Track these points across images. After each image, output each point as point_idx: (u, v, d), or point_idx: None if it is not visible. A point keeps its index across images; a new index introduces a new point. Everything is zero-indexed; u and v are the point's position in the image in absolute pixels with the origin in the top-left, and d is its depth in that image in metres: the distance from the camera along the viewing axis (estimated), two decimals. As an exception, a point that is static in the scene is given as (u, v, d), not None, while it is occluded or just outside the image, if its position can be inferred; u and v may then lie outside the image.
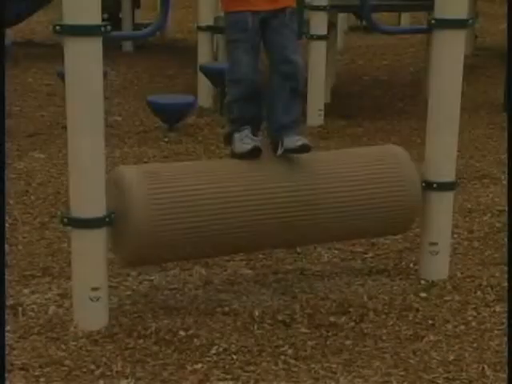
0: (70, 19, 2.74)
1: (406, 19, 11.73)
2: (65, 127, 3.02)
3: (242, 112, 3.25)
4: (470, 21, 3.30)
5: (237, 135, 3.25)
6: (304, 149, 3.18)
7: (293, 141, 3.17)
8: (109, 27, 2.79)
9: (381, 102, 7.40)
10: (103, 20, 2.80)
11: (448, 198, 3.46)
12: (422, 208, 3.42)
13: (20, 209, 4.33)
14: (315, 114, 6.41)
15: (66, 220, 2.94)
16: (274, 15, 3.19)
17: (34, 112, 6.74)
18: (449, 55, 3.28)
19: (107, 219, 2.92)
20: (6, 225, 3.96)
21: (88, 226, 2.89)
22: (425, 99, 5.36)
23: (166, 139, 5.88)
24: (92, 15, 2.75)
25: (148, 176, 3.02)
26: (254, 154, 3.19)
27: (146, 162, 5.18)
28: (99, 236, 2.92)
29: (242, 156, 3.20)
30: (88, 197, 2.89)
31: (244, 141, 3.22)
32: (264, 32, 3.21)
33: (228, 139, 3.33)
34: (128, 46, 9.98)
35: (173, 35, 11.61)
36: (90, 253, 2.92)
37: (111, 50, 8.86)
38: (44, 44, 10.71)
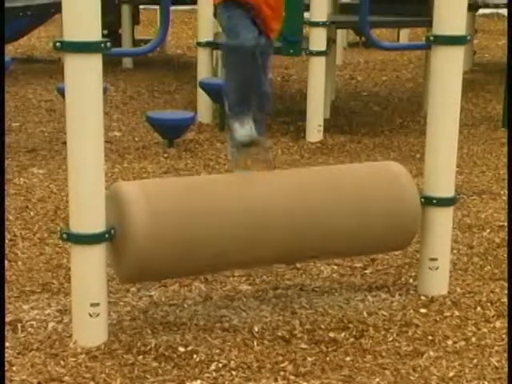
0: (70, 36, 2.75)
1: (404, 35, 11.77)
2: (64, 143, 3.03)
3: (240, 94, 3.32)
4: (469, 37, 3.31)
5: (237, 125, 3.33)
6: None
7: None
8: (109, 44, 2.80)
9: (380, 118, 7.42)
10: (103, 36, 2.81)
11: (447, 213, 3.46)
12: (421, 223, 3.42)
13: (19, 224, 4.33)
14: (314, 130, 6.41)
15: (65, 236, 2.94)
16: None
17: (34, 128, 6.75)
18: (448, 71, 3.30)
19: (107, 235, 2.92)
20: (6, 241, 3.96)
21: (87, 241, 2.89)
22: (424, 115, 5.38)
23: (166, 155, 5.89)
24: (92, 32, 2.76)
25: (147, 191, 3.03)
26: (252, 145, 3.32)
27: (145, 178, 5.18)
28: (99, 252, 2.92)
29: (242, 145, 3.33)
30: (88, 212, 2.89)
31: (245, 129, 3.32)
32: None
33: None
34: (128, 61, 10.01)
35: (172, 51, 11.65)
36: (89, 269, 2.92)
37: (111, 65, 8.94)
38: (44, 60, 10.75)
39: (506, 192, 4.72)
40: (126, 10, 10.26)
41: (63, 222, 4.24)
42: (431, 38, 3.28)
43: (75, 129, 2.85)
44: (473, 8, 8.99)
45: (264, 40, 3.35)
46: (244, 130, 3.30)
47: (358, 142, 6.41)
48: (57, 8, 9.24)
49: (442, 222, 3.44)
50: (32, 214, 4.52)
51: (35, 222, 4.39)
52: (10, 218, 4.39)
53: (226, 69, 3.36)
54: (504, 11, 12.61)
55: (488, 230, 4.37)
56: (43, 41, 12.46)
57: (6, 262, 3.69)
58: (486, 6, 9.42)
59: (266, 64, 3.41)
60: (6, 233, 4.07)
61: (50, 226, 4.31)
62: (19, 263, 3.81)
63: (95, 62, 2.79)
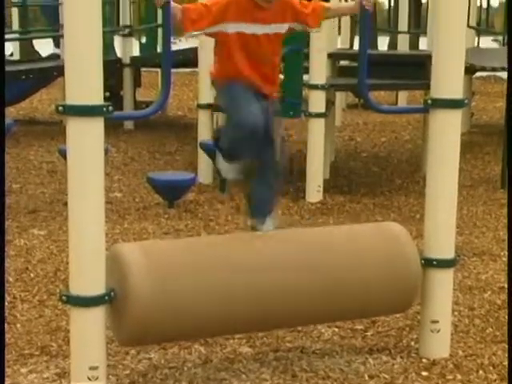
0: (72, 99, 2.79)
1: (403, 96, 11.90)
2: (65, 204, 3.03)
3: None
4: (466, 101, 3.35)
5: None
6: None
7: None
8: (110, 107, 2.83)
9: (380, 179, 7.46)
10: (105, 98, 2.84)
11: (448, 275, 3.45)
12: (422, 285, 3.40)
13: (19, 286, 4.31)
14: (314, 190, 6.45)
15: (64, 298, 2.93)
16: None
17: (35, 189, 6.77)
18: (446, 134, 3.33)
19: (106, 297, 2.91)
20: (5, 303, 3.94)
21: (87, 304, 2.88)
22: (423, 176, 5.41)
23: (166, 215, 5.90)
24: (94, 95, 2.79)
25: (147, 253, 3.03)
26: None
27: (145, 239, 5.18)
28: (98, 314, 2.90)
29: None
30: (88, 274, 2.88)
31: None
32: None
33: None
34: (129, 123, 10.11)
35: (173, 113, 11.76)
36: (88, 331, 2.90)
37: (112, 127, 9.02)
38: (46, 122, 10.85)
39: (507, 253, 4.71)
40: (127, 72, 10.41)
41: (63, 284, 4.22)
42: (429, 101, 3.32)
43: (76, 190, 2.87)
44: (470, 71, 9.10)
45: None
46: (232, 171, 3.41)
47: (357, 203, 6.43)
48: (59, 71, 9.37)
49: (443, 283, 3.43)
50: (32, 275, 4.50)
51: (35, 283, 4.37)
52: (10, 279, 4.38)
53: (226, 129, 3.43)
54: (501, 74, 12.80)
55: (489, 292, 4.35)
56: (45, 103, 12.60)
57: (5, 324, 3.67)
58: (483, 69, 9.53)
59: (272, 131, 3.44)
60: (6, 295, 4.06)
61: (49, 288, 4.29)
62: (18, 325, 3.78)
63: (97, 125, 2.82)
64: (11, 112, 11.16)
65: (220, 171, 3.48)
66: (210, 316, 3.00)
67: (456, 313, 3.94)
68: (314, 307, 3.18)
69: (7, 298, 4.05)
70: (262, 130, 3.26)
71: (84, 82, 2.78)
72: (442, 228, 3.40)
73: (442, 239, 3.41)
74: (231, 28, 3.27)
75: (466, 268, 4.74)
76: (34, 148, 8.67)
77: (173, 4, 3.06)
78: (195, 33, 3.26)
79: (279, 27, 3.37)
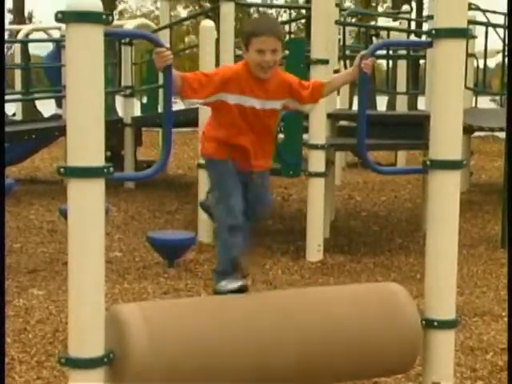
0: (73, 161, 2.80)
1: (402, 156, 11.97)
2: (65, 263, 3.02)
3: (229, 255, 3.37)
4: (465, 162, 3.37)
5: (223, 282, 3.37)
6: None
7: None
8: (111, 168, 2.85)
9: (379, 238, 7.45)
10: (106, 158, 2.86)
11: (449, 335, 3.42)
12: (423, 346, 3.38)
13: (17, 347, 4.27)
14: (314, 250, 6.44)
15: (63, 360, 2.90)
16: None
17: (35, 248, 6.76)
18: (445, 194, 3.33)
19: (105, 359, 2.88)
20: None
21: (86, 366, 2.85)
22: (423, 235, 5.41)
23: (166, 275, 5.88)
24: (95, 157, 2.81)
25: (147, 314, 3.01)
26: (240, 291, 3.32)
27: (145, 299, 5.16)
28: (97, 376, 2.87)
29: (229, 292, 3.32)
30: (87, 336, 2.85)
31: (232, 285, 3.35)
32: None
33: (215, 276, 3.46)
34: (129, 182, 10.16)
35: (174, 171, 11.82)
36: (87, 393, 2.87)
37: (113, 186, 9.06)
38: (47, 181, 10.90)
39: (507, 313, 4.68)
40: (128, 132, 10.51)
41: (61, 345, 4.19)
42: (428, 162, 3.33)
43: (76, 250, 2.86)
44: (468, 131, 9.18)
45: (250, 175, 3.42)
46: (231, 285, 3.34)
47: (357, 262, 6.41)
48: (61, 131, 9.46)
49: (444, 344, 3.40)
50: (30, 336, 4.46)
51: (33, 344, 4.33)
52: (8, 340, 4.33)
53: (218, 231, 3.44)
54: (498, 133, 12.90)
55: (491, 353, 4.31)
56: (47, 162, 12.68)
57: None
58: (481, 129, 9.61)
59: (262, 195, 3.48)
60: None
61: (47, 349, 4.25)
62: (15, 387, 3.75)
63: (98, 185, 2.83)
64: (13, 172, 11.23)
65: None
66: (210, 377, 2.97)
67: (458, 374, 3.90)
68: (313, 368, 3.15)
69: (5, 360, 4.01)
70: (241, 220, 3.30)
71: (85, 144, 2.79)
72: (443, 288, 3.38)
73: (443, 299, 3.39)
74: (231, 99, 3.29)
75: (468, 328, 4.70)
76: (34, 207, 8.69)
77: (173, 70, 3.10)
78: (195, 101, 3.28)
79: (276, 104, 3.38)
